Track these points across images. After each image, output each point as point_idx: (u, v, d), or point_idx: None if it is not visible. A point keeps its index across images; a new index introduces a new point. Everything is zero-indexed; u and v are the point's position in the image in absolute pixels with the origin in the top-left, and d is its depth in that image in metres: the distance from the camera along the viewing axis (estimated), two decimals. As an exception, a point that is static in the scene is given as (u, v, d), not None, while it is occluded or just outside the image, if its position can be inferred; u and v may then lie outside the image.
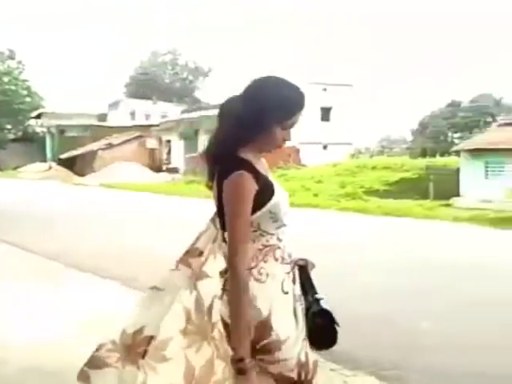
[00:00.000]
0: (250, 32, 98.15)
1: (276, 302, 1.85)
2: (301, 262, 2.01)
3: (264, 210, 1.85)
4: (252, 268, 1.85)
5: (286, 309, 1.89)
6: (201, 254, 2.07)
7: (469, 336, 4.96)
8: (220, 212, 1.90)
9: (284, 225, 1.92)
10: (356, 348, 4.37)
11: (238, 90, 1.90)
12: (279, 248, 1.90)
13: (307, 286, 1.99)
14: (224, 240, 1.95)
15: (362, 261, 8.66)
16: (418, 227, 14.14)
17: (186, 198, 22.10)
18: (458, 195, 21.36)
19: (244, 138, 1.88)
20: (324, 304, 1.97)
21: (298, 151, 35.78)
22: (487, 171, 21.41)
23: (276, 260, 1.89)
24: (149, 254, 8.48)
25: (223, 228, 1.92)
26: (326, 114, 39.32)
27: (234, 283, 1.80)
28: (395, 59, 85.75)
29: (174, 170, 37.99)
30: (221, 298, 1.93)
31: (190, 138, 39.42)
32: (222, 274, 1.94)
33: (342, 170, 27.72)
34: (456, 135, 42.48)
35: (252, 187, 1.80)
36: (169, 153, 42.40)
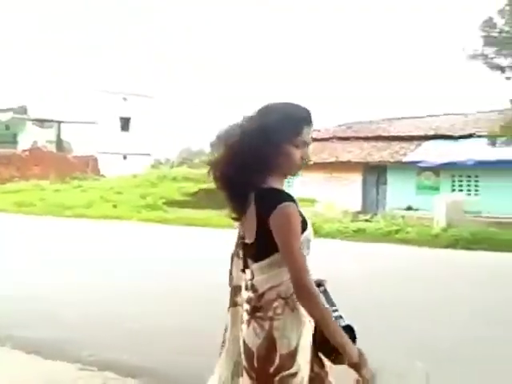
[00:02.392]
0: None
1: (303, 332, 1.86)
2: (317, 280, 2.00)
3: (303, 237, 1.86)
4: (288, 298, 1.85)
5: (308, 337, 1.88)
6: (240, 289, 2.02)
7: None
8: (259, 242, 1.86)
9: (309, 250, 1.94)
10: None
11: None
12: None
13: (328, 303, 1.97)
14: (243, 270, 1.97)
15: (159, 268, 8.70)
16: (218, 236, 14.66)
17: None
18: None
19: (266, 165, 1.86)
20: (346, 320, 1.96)
21: (96, 160, 34.58)
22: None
23: None
24: None
25: (258, 259, 1.89)
26: (125, 124, 38.75)
27: (316, 304, 1.77)
28: (192, 72, 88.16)
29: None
30: (248, 324, 1.88)
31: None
32: (250, 301, 1.90)
33: (143, 180, 27.55)
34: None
35: (299, 217, 1.83)
36: None
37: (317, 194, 21.08)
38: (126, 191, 24.98)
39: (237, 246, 2.04)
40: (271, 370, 1.80)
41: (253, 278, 1.90)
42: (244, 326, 1.90)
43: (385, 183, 20.37)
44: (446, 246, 12.89)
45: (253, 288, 1.89)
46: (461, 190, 18.46)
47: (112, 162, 34.28)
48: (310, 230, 1.92)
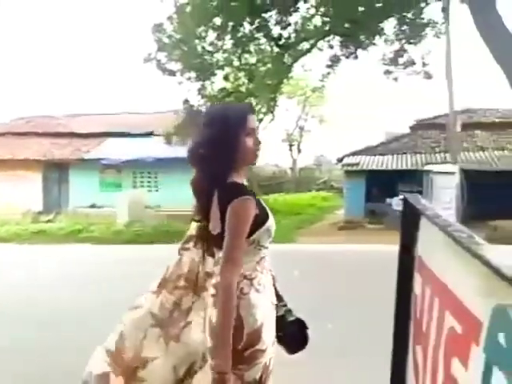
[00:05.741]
0: None
1: (267, 312, 2.02)
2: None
3: (264, 228, 2.02)
4: (253, 279, 2.00)
5: (272, 319, 2.05)
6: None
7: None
8: (223, 232, 1.98)
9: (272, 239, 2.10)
10: None
11: None
12: (267, 260, 2.09)
13: (277, 298, 2.17)
14: (213, 256, 2.20)
15: None
16: None
17: None
18: None
19: (227, 161, 2.01)
20: (295, 314, 2.21)
21: None
22: None
23: (267, 271, 2.08)
24: None
25: (222, 247, 2.00)
26: None
27: (226, 297, 1.89)
28: None
29: None
30: (215, 306, 1.99)
31: None
32: (217, 284, 2.02)
33: None
34: None
35: (254, 212, 1.97)
36: None
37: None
38: None
39: (189, 240, 2.38)
40: (239, 346, 1.92)
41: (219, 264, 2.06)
42: (210, 309, 2.03)
43: (67, 181, 19.78)
44: (130, 242, 13.28)
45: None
46: (142, 186, 19.26)
47: None
48: (271, 221, 2.08)
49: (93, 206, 18.35)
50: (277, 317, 2.12)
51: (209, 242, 2.25)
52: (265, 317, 2.00)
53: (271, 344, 2.04)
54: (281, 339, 2.15)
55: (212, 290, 2.08)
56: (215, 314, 1.97)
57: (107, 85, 57.53)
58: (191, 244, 2.43)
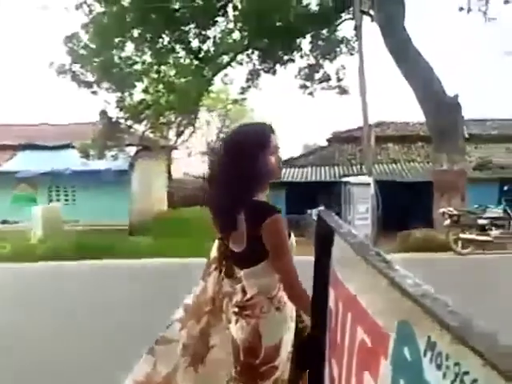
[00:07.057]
0: None
1: (285, 329, 2.02)
2: None
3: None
4: (273, 297, 2.01)
5: (290, 335, 2.04)
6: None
7: None
8: (248, 251, 2.02)
9: None
10: None
11: None
12: None
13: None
14: (231, 276, 2.21)
15: None
16: None
17: None
18: None
19: (252, 180, 2.02)
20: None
21: None
22: None
23: None
24: None
25: (247, 265, 2.06)
26: None
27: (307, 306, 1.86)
28: None
29: None
30: (236, 322, 2.06)
31: None
32: (238, 303, 2.08)
33: None
34: None
35: None
36: None
37: None
38: None
39: (212, 263, 2.31)
40: (256, 362, 1.98)
41: (240, 282, 2.11)
42: (232, 325, 2.10)
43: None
44: (45, 258, 12.66)
45: (242, 291, 2.10)
46: (58, 200, 18.48)
47: None
48: (292, 237, 2.13)
49: (4, 222, 17.40)
50: (296, 331, 2.16)
51: (228, 261, 2.23)
52: (283, 334, 2.06)
53: (286, 359, 2.07)
54: (299, 352, 2.17)
55: (234, 308, 2.13)
56: (235, 331, 2.09)
57: (21, 95, 54.88)
58: (213, 267, 2.37)
